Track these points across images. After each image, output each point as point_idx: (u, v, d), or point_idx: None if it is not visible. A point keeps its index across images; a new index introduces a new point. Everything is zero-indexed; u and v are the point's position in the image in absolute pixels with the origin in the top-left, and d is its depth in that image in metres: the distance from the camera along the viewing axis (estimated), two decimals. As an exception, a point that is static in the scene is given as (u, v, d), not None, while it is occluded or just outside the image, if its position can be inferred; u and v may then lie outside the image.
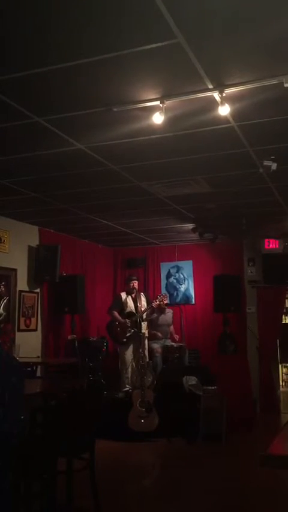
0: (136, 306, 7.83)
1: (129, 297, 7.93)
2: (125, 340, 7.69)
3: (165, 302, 8.27)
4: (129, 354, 7.65)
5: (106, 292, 9.68)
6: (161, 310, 8.37)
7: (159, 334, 8.34)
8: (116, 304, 8.03)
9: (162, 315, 8.51)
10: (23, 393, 3.21)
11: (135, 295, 7.92)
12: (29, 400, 3.60)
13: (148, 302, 7.91)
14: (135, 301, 7.89)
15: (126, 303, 7.89)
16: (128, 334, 7.67)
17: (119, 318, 7.80)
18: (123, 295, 8.03)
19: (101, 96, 3.51)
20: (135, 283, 7.97)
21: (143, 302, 7.88)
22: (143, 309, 7.76)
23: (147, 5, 2.48)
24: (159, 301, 7.96)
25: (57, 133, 4.14)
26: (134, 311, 7.79)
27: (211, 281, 8.63)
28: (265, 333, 8.49)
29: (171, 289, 9.61)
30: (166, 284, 9.69)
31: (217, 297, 8.42)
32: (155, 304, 7.86)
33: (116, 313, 7.86)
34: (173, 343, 8.34)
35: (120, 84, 3.34)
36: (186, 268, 9.56)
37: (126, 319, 7.72)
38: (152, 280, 9.77)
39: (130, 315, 7.76)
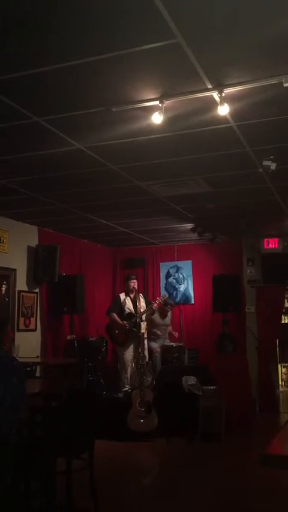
0: (135, 307, 7.80)
1: (128, 297, 7.88)
2: (123, 342, 7.68)
3: (168, 307, 8.31)
4: (128, 354, 7.63)
5: (105, 292, 9.68)
6: (163, 313, 8.36)
7: (159, 332, 8.35)
8: (114, 306, 7.97)
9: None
10: (25, 394, 3.21)
11: (134, 296, 7.88)
12: (28, 400, 3.60)
13: (147, 303, 7.87)
14: (134, 302, 7.85)
15: (125, 303, 7.85)
16: (127, 336, 7.64)
17: (118, 320, 7.74)
18: (122, 296, 7.98)
19: (100, 96, 3.52)
20: (135, 283, 7.94)
21: (142, 303, 7.84)
22: (142, 310, 7.74)
23: (147, 4, 2.48)
24: (162, 302, 7.97)
25: (56, 133, 4.14)
26: (133, 312, 7.75)
27: (210, 281, 8.64)
28: (264, 333, 8.48)
29: (171, 289, 9.61)
30: (165, 284, 9.70)
31: (216, 297, 8.43)
32: (154, 306, 7.85)
33: (114, 315, 7.80)
34: (172, 343, 8.33)
35: (119, 84, 3.34)
36: (186, 268, 9.56)
37: (125, 322, 7.69)
38: (151, 280, 9.77)
39: (129, 316, 7.73)
